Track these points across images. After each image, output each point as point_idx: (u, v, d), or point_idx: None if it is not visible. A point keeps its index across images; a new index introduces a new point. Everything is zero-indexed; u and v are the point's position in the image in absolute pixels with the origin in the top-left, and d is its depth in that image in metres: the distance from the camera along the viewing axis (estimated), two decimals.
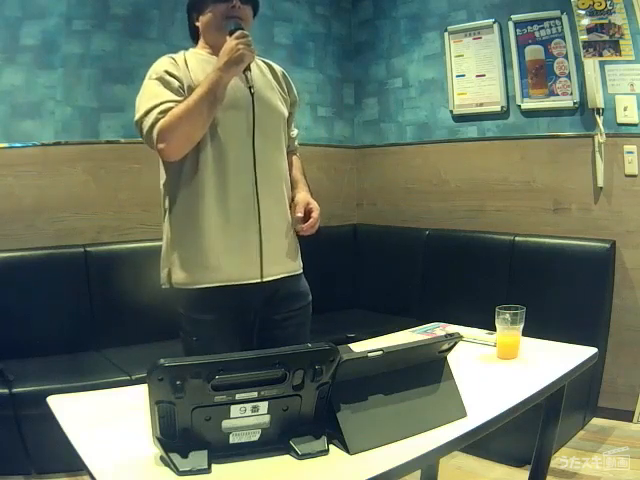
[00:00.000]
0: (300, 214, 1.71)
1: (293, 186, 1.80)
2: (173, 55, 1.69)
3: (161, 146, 1.56)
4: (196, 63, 1.68)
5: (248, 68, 1.62)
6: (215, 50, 1.69)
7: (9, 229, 2.85)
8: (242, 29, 1.60)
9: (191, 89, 1.60)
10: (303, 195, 1.77)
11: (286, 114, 1.79)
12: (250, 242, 1.64)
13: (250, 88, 1.62)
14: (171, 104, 1.57)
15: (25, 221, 2.90)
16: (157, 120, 1.55)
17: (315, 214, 1.72)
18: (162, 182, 1.70)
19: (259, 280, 1.66)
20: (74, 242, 2.97)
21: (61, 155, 2.99)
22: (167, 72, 1.62)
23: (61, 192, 2.98)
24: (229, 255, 1.64)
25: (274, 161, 1.73)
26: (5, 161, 2.85)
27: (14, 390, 2.34)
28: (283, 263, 1.73)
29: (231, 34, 1.59)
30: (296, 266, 1.79)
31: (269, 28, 3.64)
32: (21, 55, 2.87)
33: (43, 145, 2.94)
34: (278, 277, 1.71)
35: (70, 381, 2.37)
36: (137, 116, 1.61)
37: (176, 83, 1.61)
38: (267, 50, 3.58)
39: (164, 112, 1.55)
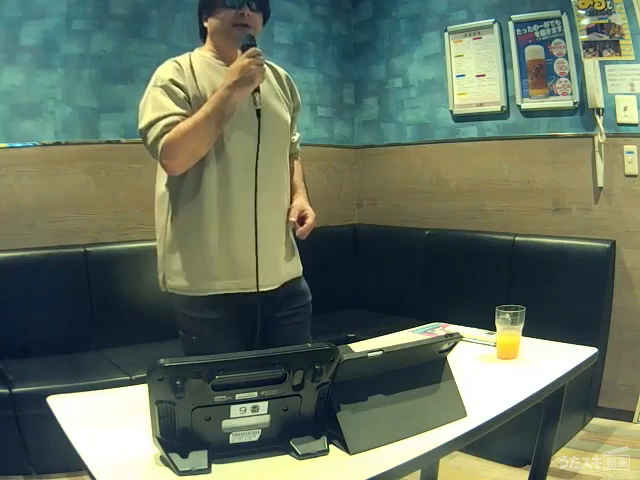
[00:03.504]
0: (293, 219, 1.70)
1: (292, 191, 1.80)
2: (178, 59, 1.65)
3: (165, 161, 1.55)
4: (201, 68, 1.64)
5: (257, 89, 1.56)
6: (221, 54, 1.68)
7: (9, 229, 2.85)
8: (255, 45, 1.56)
9: (197, 99, 1.58)
10: (300, 201, 1.76)
11: (290, 121, 1.78)
12: (248, 255, 1.63)
13: (258, 111, 1.57)
14: (177, 117, 1.54)
15: (25, 221, 2.90)
16: (163, 134, 1.53)
17: (310, 220, 1.70)
18: (160, 189, 1.68)
19: (256, 290, 1.64)
20: (74, 242, 2.97)
21: (61, 155, 2.99)
22: (172, 81, 1.58)
23: (61, 192, 2.98)
24: (228, 267, 1.63)
25: (278, 176, 1.72)
26: (5, 161, 2.85)
27: (14, 390, 2.34)
28: (281, 272, 1.73)
29: (243, 50, 1.55)
30: (294, 272, 1.79)
31: (269, 28, 3.62)
32: (21, 55, 2.86)
33: (43, 145, 2.94)
34: (276, 287, 1.71)
35: (70, 381, 2.38)
36: (141, 125, 1.58)
37: (182, 94, 1.58)
38: (267, 50, 3.57)
39: (170, 125, 1.53)
